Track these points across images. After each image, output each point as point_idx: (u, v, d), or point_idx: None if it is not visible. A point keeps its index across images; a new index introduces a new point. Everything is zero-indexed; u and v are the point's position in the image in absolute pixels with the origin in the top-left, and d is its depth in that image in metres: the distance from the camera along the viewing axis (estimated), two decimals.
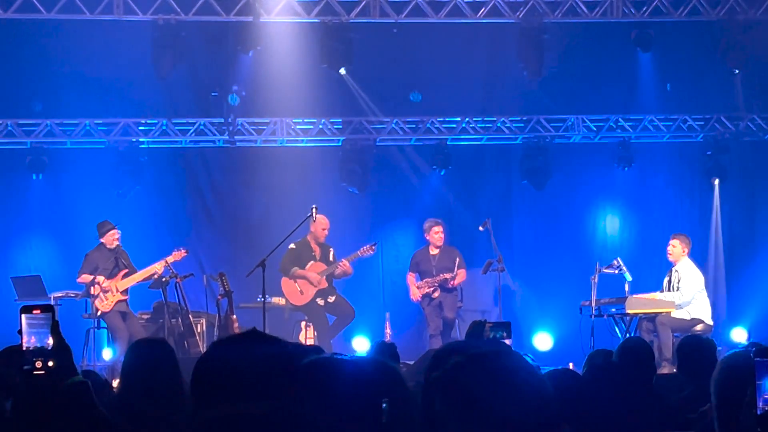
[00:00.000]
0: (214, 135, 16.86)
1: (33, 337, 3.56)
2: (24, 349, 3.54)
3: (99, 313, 13.79)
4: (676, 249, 14.10)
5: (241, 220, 16.67)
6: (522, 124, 17.32)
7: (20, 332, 3.56)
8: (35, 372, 3.51)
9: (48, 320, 3.58)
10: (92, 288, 13.75)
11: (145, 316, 14.39)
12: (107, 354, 13.91)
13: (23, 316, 3.57)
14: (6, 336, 11.41)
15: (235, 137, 16.78)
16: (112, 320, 13.75)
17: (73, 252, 14.67)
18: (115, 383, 11.86)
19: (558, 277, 16.38)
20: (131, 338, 13.27)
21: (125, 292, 13.85)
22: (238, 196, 16.91)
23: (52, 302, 13.84)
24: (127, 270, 13.86)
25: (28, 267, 15.30)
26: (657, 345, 13.03)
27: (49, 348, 3.55)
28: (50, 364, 3.52)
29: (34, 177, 16.31)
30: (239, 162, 16.97)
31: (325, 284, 14.38)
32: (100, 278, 13.71)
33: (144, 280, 13.99)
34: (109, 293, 13.67)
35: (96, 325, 14.00)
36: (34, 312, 3.59)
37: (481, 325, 6.17)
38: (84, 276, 13.90)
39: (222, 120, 16.67)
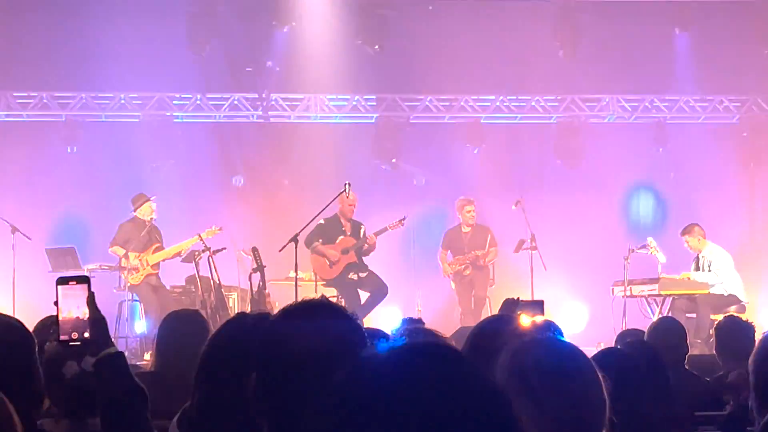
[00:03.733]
0: (248, 110, 16.89)
1: (69, 308, 3.57)
2: (60, 320, 3.55)
3: (129, 285, 13.86)
4: (692, 242, 14.14)
5: (274, 196, 16.68)
6: (556, 104, 17.24)
7: (56, 303, 3.57)
8: (71, 343, 3.52)
9: (84, 292, 3.59)
10: (122, 261, 13.83)
11: (178, 290, 14.44)
12: (140, 326, 13.97)
13: (59, 287, 3.58)
14: (42, 307, 11.54)
15: (269, 113, 16.79)
16: (143, 293, 13.82)
17: (107, 225, 14.72)
18: (147, 355, 11.97)
19: (590, 257, 16.31)
20: (163, 311, 13.32)
21: (156, 266, 13.89)
22: (271, 171, 16.91)
23: (86, 273, 13.94)
24: (159, 244, 13.91)
25: (62, 239, 15.38)
26: (691, 326, 12.98)
27: (85, 319, 3.56)
28: (85, 335, 3.54)
29: (68, 150, 16.40)
30: (273, 138, 16.97)
31: (353, 257, 14.35)
32: (131, 254, 13.75)
33: (177, 254, 14.04)
34: (139, 267, 13.72)
35: (129, 298, 14.05)
36: (70, 283, 3.60)
37: (513, 302, 6.12)
38: (114, 248, 13.96)
39: (256, 95, 16.68)
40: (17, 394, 2.88)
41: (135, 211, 14.08)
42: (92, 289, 3.60)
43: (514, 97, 17.20)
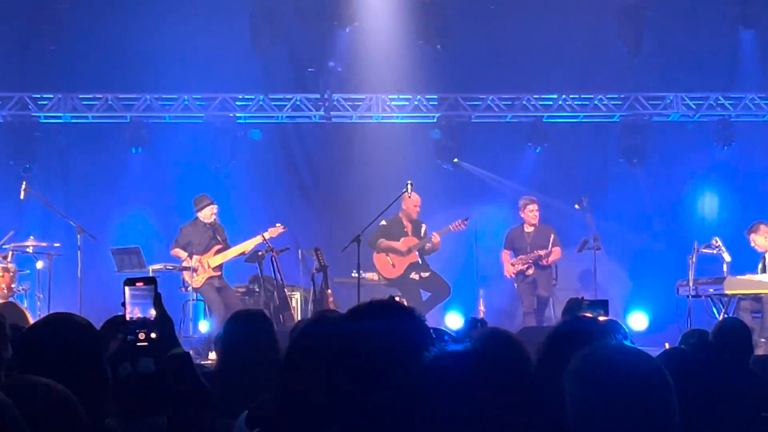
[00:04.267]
0: (310, 111, 16.95)
1: (136, 309, 3.61)
2: (127, 320, 3.59)
3: (191, 288, 13.94)
4: (759, 241, 13.97)
5: (336, 196, 16.72)
6: (619, 102, 17.11)
7: (123, 304, 3.61)
8: (138, 343, 3.56)
9: (151, 292, 3.63)
10: (184, 263, 13.92)
11: (241, 290, 14.51)
12: (204, 326, 14.06)
13: (127, 288, 3.62)
14: (108, 306, 11.68)
15: (331, 113, 16.84)
16: (207, 293, 13.90)
17: (171, 225, 14.84)
18: (212, 355, 12.06)
19: (654, 257, 16.18)
20: (227, 311, 13.40)
21: (218, 267, 13.93)
22: (333, 171, 16.96)
23: (150, 274, 14.06)
24: (220, 246, 13.95)
25: (127, 239, 15.54)
26: (756, 325, 12.82)
27: (152, 320, 3.60)
28: (153, 335, 3.57)
29: (133, 151, 16.58)
30: (335, 138, 17.02)
31: (415, 257, 14.36)
32: (194, 258, 13.84)
33: (240, 254, 14.10)
34: (200, 270, 13.80)
35: (193, 298, 14.15)
36: (138, 284, 3.63)
37: (577, 302, 6.10)
38: (176, 250, 14.06)
39: (318, 96, 16.75)
40: (84, 393, 2.91)
41: (197, 212, 14.16)
42: (158, 290, 3.64)
43: (577, 96, 17.09)
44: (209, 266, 13.82)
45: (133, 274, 14.16)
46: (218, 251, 13.90)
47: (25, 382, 2.14)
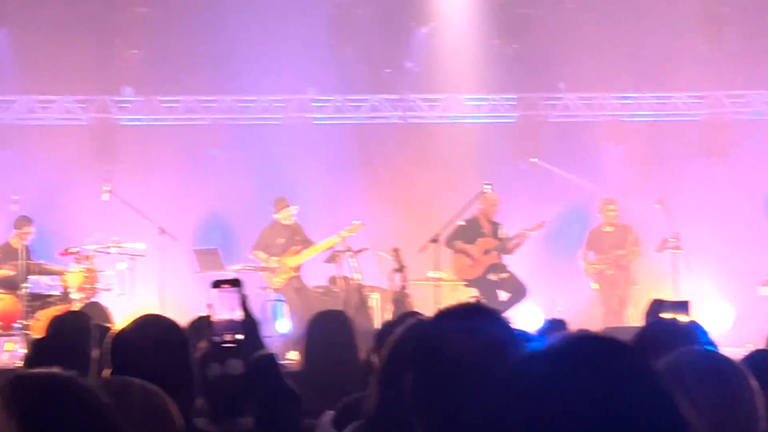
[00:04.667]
0: (388, 111, 16.99)
1: (222, 311, 3.67)
2: (213, 321, 3.65)
3: (272, 288, 14.04)
4: None
5: (412, 197, 16.72)
6: (700, 100, 16.91)
7: (210, 306, 3.67)
8: (224, 344, 3.62)
9: (237, 294, 3.69)
10: (263, 264, 14.03)
11: (320, 290, 14.58)
12: (282, 326, 14.15)
13: (213, 290, 3.69)
14: (189, 306, 11.77)
15: (408, 113, 16.86)
16: (286, 294, 14.00)
17: (250, 226, 14.97)
18: (290, 355, 12.14)
19: (736, 256, 15.95)
20: (306, 311, 13.49)
21: (297, 268, 14.04)
22: (410, 172, 16.96)
23: (235, 276, 14.19)
24: (299, 246, 14.04)
25: (207, 240, 15.71)
26: None
27: (238, 321, 3.65)
28: (239, 337, 3.63)
29: (213, 152, 16.75)
30: (412, 138, 17.03)
31: (494, 258, 14.34)
32: (272, 258, 13.94)
33: (319, 254, 14.17)
34: (279, 270, 13.90)
35: (271, 298, 14.25)
36: (224, 286, 3.70)
37: (660, 303, 6.04)
38: (256, 252, 14.18)
39: (395, 96, 16.79)
40: (173, 393, 2.97)
41: (276, 214, 14.27)
42: (245, 292, 3.70)
43: (656, 94, 16.93)
44: (288, 267, 13.92)
45: (213, 274, 14.33)
46: (297, 252, 14.00)
47: (119, 383, 2.19)
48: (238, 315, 3.64)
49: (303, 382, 5.47)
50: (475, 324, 2.59)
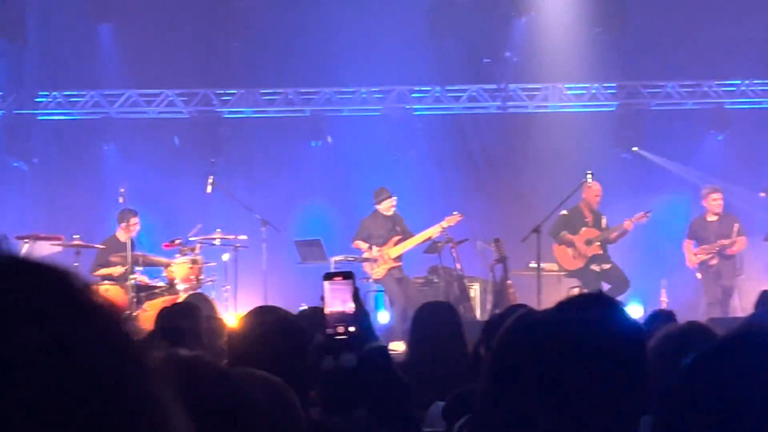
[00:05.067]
0: (487, 101, 16.96)
1: (335, 303, 3.71)
2: (326, 314, 3.69)
3: (372, 279, 14.08)
4: None
5: (513, 186, 16.68)
6: None
7: (323, 298, 3.71)
8: (337, 336, 3.65)
9: (349, 287, 3.72)
10: (364, 254, 14.08)
11: (420, 280, 14.61)
12: (384, 317, 14.20)
13: (326, 282, 3.72)
14: (292, 297, 11.87)
15: (508, 103, 16.81)
16: (387, 285, 14.04)
17: (351, 217, 15.04)
18: (392, 345, 12.18)
19: None
20: (407, 302, 13.53)
21: (398, 258, 14.07)
22: (510, 162, 16.93)
23: (332, 266, 14.29)
24: (400, 237, 14.06)
25: (308, 231, 15.85)
26: None
27: (350, 313, 3.69)
28: (351, 329, 3.66)
29: (313, 144, 16.90)
30: (511, 128, 16.98)
31: (597, 249, 14.22)
32: (374, 249, 13.98)
33: (419, 245, 14.18)
34: (380, 261, 13.94)
35: (373, 289, 14.31)
36: (336, 279, 3.73)
37: None
38: (357, 242, 14.23)
39: (494, 86, 16.75)
40: (290, 384, 3.01)
41: (376, 205, 14.30)
42: (357, 285, 3.73)
43: (761, 81, 16.63)
44: (389, 257, 13.95)
45: (314, 265, 14.45)
46: (398, 242, 14.03)
47: (243, 374, 2.23)
48: (350, 307, 3.68)
49: (408, 373, 5.51)
50: (598, 315, 2.58)
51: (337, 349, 3.65)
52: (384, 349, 3.70)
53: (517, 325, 3.37)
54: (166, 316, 6.19)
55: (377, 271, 13.94)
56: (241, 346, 3.55)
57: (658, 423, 2.28)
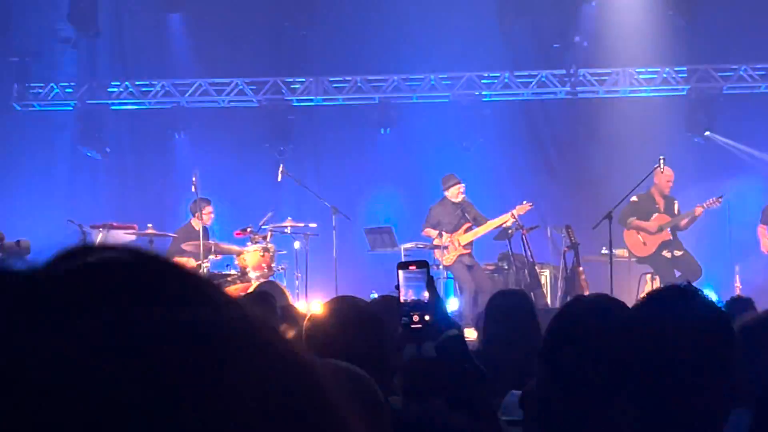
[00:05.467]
0: (556, 87, 16.87)
1: (410, 292, 3.73)
2: (401, 303, 3.71)
3: (442, 266, 14.06)
4: None
5: (583, 173, 16.58)
6: None
7: (398, 287, 3.73)
8: (412, 325, 3.67)
9: (424, 276, 3.74)
10: (434, 242, 14.07)
11: (490, 267, 14.59)
12: (453, 304, 14.18)
13: (400, 271, 3.74)
14: (361, 284, 11.92)
15: (577, 88, 16.72)
16: (457, 272, 14.02)
17: (420, 204, 15.04)
18: (465, 332, 12.19)
19: None
20: (477, 289, 13.53)
21: (468, 245, 14.01)
22: (580, 147, 16.82)
23: (402, 253, 14.32)
24: (470, 224, 14.02)
25: (378, 218, 15.89)
26: None
27: (425, 302, 3.71)
28: (426, 318, 3.68)
29: (382, 131, 16.92)
30: (581, 113, 16.88)
31: (668, 235, 14.10)
32: (444, 235, 13.97)
33: (489, 232, 14.12)
34: (450, 247, 13.92)
35: (443, 276, 14.30)
36: (410, 268, 3.75)
37: None
38: (427, 230, 14.22)
39: (564, 71, 16.65)
40: (370, 373, 3.03)
41: (445, 191, 14.27)
42: (431, 274, 3.75)
43: None
44: (459, 244, 13.92)
45: (384, 252, 14.50)
46: (468, 229, 13.99)
47: (328, 366, 2.26)
48: (424, 296, 3.69)
49: (482, 361, 5.51)
50: (687, 306, 2.58)
51: (415, 338, 3.68)
52: (460, 338, 3.71)
53: (559, 312, 3.36)
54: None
55: (447, 258, 13.91)
56: (320, 337, 3.58)
57: (759, 417, 2.28)
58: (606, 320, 2.93)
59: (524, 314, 5.63)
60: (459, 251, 13.92)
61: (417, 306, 3.69)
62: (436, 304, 3.70)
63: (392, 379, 3.79)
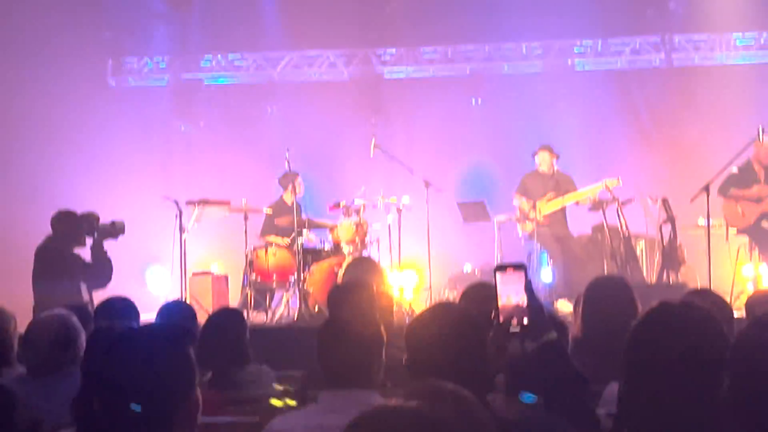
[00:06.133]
0: (650, 54, 16.63)
1: (508, 295, 3.74)
2: (499, 306, 3.72)
3: (529, 234, 13.93)
4: None
5: (679, 143, 16.33)
6: None
7: (495, 290, 3.74)
8: (511, 329, 3.68)
9: (521, 279, 3.74)
10: (517, 211, 14.00)
11: (584, 239, 14.47)
12: (546, 275, 14.11)
13: (498, 274, 3.75)
14: (455, 258, 11.89)
15: (672, 56, 16.46)
16: (546, 243, 13.89)
17: (513, 175, 14.94)
18: (561, 305, 12.16)
19: None
20: (568, 260, 13.45)
21: (551, 215, 13.80)
22: (675, 117, 16.57)
23: (495, 225, 14.28)
24: (554, 194, 13.88)
25: (470, 191, 15.85)
26: None
27: (524, 306, 3.71)
28: (524, 322, 3.69)
29: (473, 102, 16.85)
30: (677, 82, 16.62)
31: None
32: (526, 204, 13.87)
33: (578, 203, 13.95)
34: (535, 216, 13.81)
35: (537, 248, 14.21)
36: (508, 271, 3.76)
37: None
38: (517, 196, 14.16)
39: (658, 38, 16.40)
40: (472, 381, 3.04)
41: (536, 161, 14.21)
42: (529, 277, 3.75)
43: None
44: (541, 214, 13.83)
45: (478, 225, 14.47)
46: (551, 199, 13.88)
47: (431, 388, 2.28)
48: (522, 300, 3.70)
49: (582, 349, 5.47)
50: None
51: (520, 337, 3.69)
52: (558, 342, 3.71)
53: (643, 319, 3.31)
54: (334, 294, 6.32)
55: (524, 227, 13.85)
56: (421, 347, 3.59)
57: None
58: (693, 340, 2.91)
59: (624, 303, 5.55)
60: (547, 221, 13.82)
61: (515, 310, 3.69)
62: (534, 307, 3.70)
63: (494, 379, 3.81)
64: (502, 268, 3.75)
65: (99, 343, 4.32)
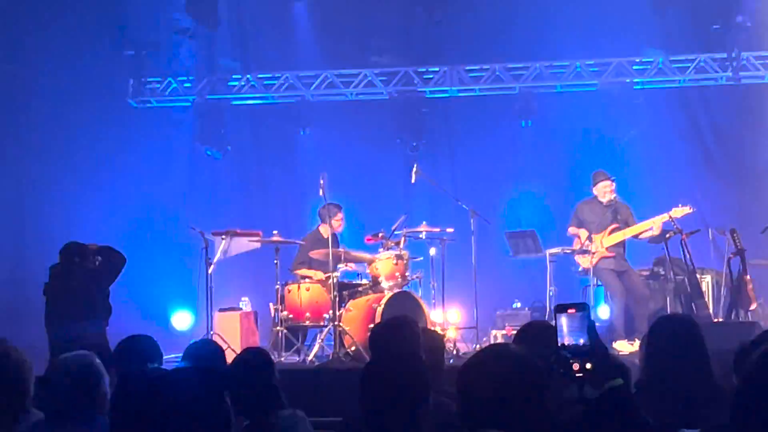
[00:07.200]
0: (716, 72, 16.57)
1: (570, 336, 3.72)
2: (560, 346, 3.70)
3: (585, 269, 13.79)
4: None
5: (747, 167, 16.25)
6: None
7: (556, 331, 3.73)
8: (576, 374, 3.66)
9: (584, 321, 3.72)
10: (575, 243, 13.84)
11: (645, 273, 14.34)
12: (604, 312, 13.99)
13: (559, 315, 3.74)
14: (503, 294, 11.84)
15: (740, 73, 16.40)
16: (605, 277, 13.74)
17: (566, 203, 14.79)
18: (615, 345, 12.07)
19: None
20: (629, 295, 13.32)
21: (614, 248, 13.62)
22: (744, 139, 16.49)
23: (547, 258, 14.16)
24: (617, 225, 13.70)
25: (519, 220, 15.80)
26: None
27: (586, 349, 3.69)
28: (588, 366, 3.67)
29: (523, 124, 16.80)
30: (745, 101, 16.55)
31: None
32: (583, 233, 13.74)
33: (640, 234, 13.78)
34: (594, 249, 13.67)
35: (594, 283, 14.09)
36: (569, 311, 3.74)
37: None
38: (571, 228, 14.01)
39: (725, 55, 16.35)
40: (529, 423, 3.02)
41: (593, 189, 14.02)
42: (593, 317, 3.73)
43: None
44: (602, 245, 13.66)
45: (528, 258, 14.39)
46: (613, 230, 13.71)
47: None
48: (585, 341, 3.68)
49: (646, 392, 5.42)
50: None
51: (580, 381, 3.67)
52: (625, 388, 3.69)
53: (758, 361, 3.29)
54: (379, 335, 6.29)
55: (585, 260, 13.67)
56: (476, 395, 3.58)
57: None
58: None
59: (691, 345, 5.51)
60: (602, 253, 13.65)
61: (577, 352, 3.67)
62: (598, 350, 3.68)
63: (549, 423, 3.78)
64: (562, 308, 3.74)
65: (131, 387, 4.32)
